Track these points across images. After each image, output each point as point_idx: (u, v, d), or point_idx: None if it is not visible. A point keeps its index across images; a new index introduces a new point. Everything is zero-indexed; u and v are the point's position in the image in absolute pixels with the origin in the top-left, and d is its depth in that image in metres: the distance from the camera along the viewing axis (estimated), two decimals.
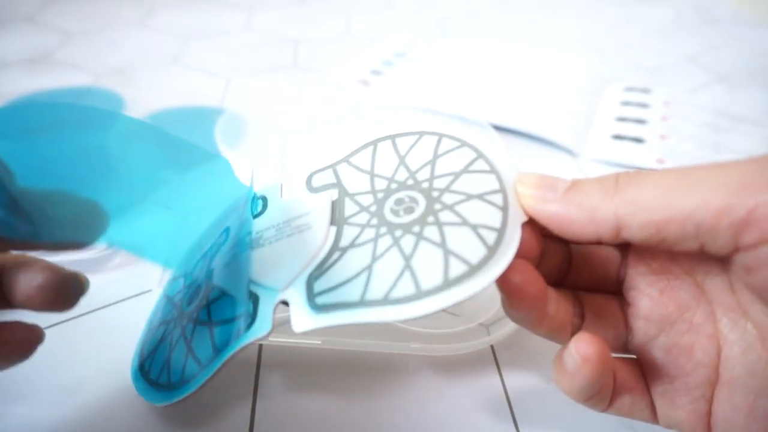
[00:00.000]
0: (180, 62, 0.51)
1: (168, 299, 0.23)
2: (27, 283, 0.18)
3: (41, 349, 0.23)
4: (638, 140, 0.43)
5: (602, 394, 0.18)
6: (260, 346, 0.24)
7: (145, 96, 0.45)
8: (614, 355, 0.19)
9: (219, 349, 0.19)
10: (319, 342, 0.24)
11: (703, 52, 0.63)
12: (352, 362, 0.24)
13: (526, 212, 0.19)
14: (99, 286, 0.27)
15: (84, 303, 0.26)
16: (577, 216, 0.17)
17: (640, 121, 0.46)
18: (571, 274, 0.21)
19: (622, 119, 0.46)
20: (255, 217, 0.21)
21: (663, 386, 0.19)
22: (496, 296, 0.19)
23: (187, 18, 0.61)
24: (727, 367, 0.17)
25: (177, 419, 0.22)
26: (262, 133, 0.41)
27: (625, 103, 0.48)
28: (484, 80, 0.50)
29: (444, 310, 0.17)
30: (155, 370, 0.21)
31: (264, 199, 0.22)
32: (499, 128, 0.43)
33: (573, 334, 0.19)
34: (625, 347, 0.20)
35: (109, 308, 0.27)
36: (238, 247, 0.20)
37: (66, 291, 0.19)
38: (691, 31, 0.69)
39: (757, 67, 0.59)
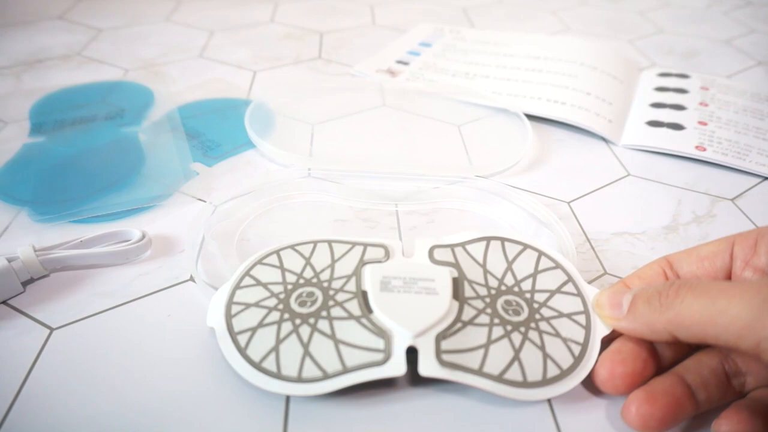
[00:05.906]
0: (206, 55, 0.51)
1: (259, 282, 0.25)
2: None
3: (78, 343, 0.24)
4: (676, 126, 0.42)
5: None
6: None
7: (174, 89, 0.45)
8: None
9: (349, 369, 0.21)
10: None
11: (739, 36, 0.61)
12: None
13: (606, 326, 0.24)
14: (132, 278, 0.27)
15: (117, 295, 0.26)
16: (642, 330, 0.22)
17: (678, 107, 0.44)
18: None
19: (657, 105, 0.44)
20: (380, 263, 0.26)
21: None
22: None
23: (212, 12, 0.61)
24: None
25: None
26: (290, 123, 0.41)
27: (661, 89, 0.47)
28: (514, 69, 0.49)
29: None
30: (257, 351, 0.22)
31: (386, 248, 0.26)
32: (531, 117, 0.42)
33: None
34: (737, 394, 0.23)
35: (142, 300, 0.27)
36: None
37: None
38: (725, 15, 0.67)
39: None
